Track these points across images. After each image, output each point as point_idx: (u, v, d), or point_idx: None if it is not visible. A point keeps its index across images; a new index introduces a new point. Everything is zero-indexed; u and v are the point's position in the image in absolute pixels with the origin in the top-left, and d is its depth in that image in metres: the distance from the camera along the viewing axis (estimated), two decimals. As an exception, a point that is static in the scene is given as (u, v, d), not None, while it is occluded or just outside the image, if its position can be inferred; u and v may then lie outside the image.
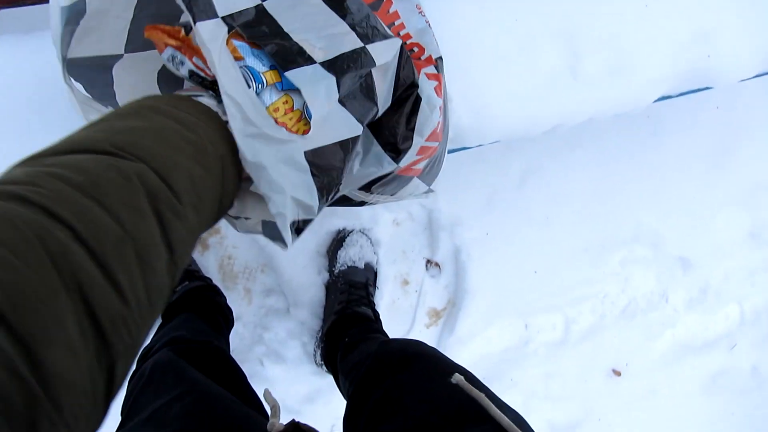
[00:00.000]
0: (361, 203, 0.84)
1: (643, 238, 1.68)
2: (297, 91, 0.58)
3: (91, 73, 0.69)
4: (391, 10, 0.80)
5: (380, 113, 0.67)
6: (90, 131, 0.43)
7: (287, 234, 0.57)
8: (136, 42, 0.69)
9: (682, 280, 1.75)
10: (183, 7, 0.46)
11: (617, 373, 1.71)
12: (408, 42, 0.78)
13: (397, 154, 0.72)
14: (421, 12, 0.82)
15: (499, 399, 0.66)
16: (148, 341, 0.86)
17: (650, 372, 1.73)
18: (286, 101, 0.59)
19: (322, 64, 0.58)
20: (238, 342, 1.39)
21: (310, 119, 0.58)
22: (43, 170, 0.37)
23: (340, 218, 1.40)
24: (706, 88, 1.12)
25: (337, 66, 0.59)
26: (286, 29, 0.59)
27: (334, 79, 0.58)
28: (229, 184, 0.53)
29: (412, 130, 0.73)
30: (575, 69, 0.94)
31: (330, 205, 0.71)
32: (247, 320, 1.40)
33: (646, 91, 1.01)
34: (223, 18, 0.51)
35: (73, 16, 0.63)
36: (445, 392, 0.66)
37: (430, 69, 0.76)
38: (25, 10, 0.75)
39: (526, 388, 1.62)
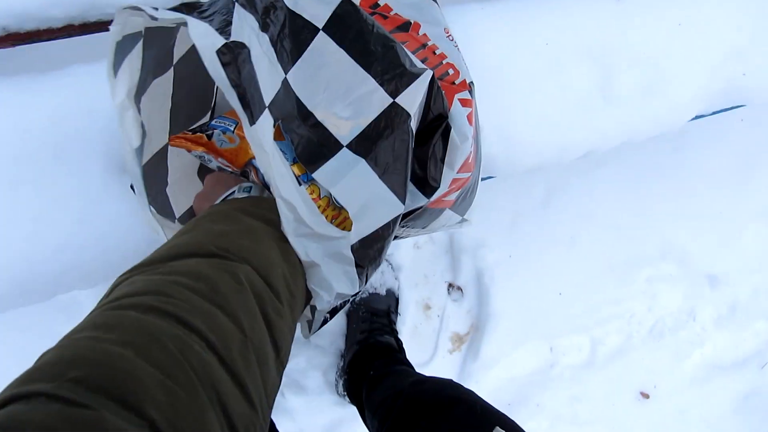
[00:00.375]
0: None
1: (670, 255, 1.63)
2: None
3: (153, 181, 0.68)
4: (421, 33, 0.76)
5: None
6: (190, 236, 0.44)
7: (316, 327, 0.58)
8: (177, 127, 0.69)
9: (710, 297, 1.70)
10: (239, 109, 0.44)
11: (645, 396, 1.66)
12: (444, 62, 0.74)
13: (427, 188, 0.69)
14: (449, 36, 0.79)
15: None
16: None
17: (679, 393, 1.68)
18: (313, 191, 0.57)
19: (350, 145, 0.56)
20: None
21: (340, 206, 0.57)
22: (164, 279, 0.38)
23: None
24: (740, 106, 1.08)
25: (367, 139, 0.56)
26: (309, 106, 0.56)
27: (363, 161, 0.56)
28: None
29: (443, 162, 0.69)
30: (607, 91, 0.91)
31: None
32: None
33: (680, 112, 0.97)
34: (268, 108, 0.49)
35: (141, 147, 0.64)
36: None
37: (464, 94, 0.72)
38: (40, 47, 0.72)
39: (552, 412, 1.57)
